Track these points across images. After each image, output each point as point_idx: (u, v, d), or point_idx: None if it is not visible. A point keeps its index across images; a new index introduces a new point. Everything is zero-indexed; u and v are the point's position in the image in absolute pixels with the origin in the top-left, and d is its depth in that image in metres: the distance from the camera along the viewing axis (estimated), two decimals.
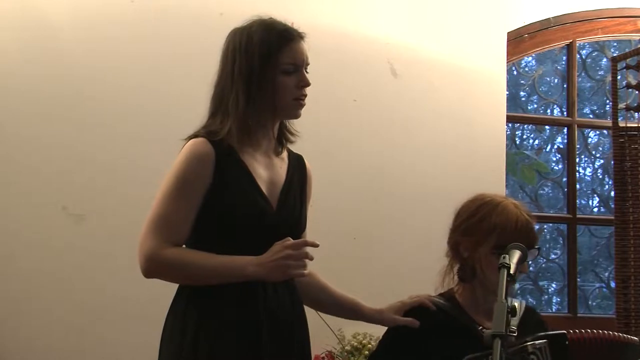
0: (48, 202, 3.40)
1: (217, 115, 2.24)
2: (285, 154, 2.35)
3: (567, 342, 2.19)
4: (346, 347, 3.40)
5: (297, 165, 2.37)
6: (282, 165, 2.32)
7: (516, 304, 1.95)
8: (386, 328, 2.35)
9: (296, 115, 2.29)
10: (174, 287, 2.26)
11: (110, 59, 3.50)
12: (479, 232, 2.23)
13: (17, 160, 3.40)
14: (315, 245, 2.19)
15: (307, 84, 2.26)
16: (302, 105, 2.27)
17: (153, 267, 2.16)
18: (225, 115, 2.22)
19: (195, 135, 2.23)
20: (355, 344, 3.39)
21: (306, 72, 2.27)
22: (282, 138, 2.33)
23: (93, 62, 3.48)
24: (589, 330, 2.25)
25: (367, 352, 3.35)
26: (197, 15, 3.58)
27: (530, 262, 2.23)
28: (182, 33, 3.57)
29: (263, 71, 2.21)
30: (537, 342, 2.15)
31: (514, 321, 1.90)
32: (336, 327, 3.29)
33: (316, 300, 2.40)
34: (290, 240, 2.17)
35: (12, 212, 3.38)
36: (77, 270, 3.38)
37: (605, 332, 2.28)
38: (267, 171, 2.27)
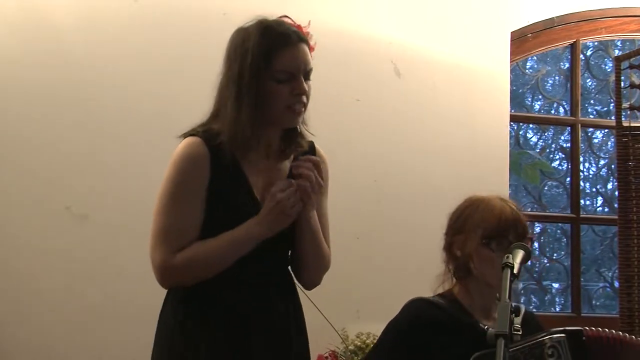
0: (52, 202, 3.39)
1: (218, 117, 2.17)
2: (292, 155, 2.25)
3: (583, 338, 2.20)
4: (349, 347, 3.40)
5: None
6: (285, 169, 2.24)
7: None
8: (385, 324, 2.34)
9: (292, 124, 2.17)
10: None
11: (112, 60, 3.50)
12: (467, 228, 2.28)
13: (21, 161, 3.40)
14: (315, 162, 2.15)
15: (302, 92, 2.13)
16: (297, 114, 2.14)
17: (168, 277, 2.15)
18: (223, 119, 2.15)
19: (191, 134, 2.16)
20: (359, 343, 3.39)
21: (308, 78, 2.15)
22: (290, 143, 2.22)
23: (95, 62, 3.48)
24: (605, 330, 2.26)
25: None
26: (201, 15, 3.58)
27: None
28: (185, 33, 3.57)
29: (253, 79, 2.10)
30: (554, 335, 2.16)
31: (518, 320, 1.90)
32: (340, 326, 3.29)
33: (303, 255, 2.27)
34: (275, 186, 2.12)
35: (16, 212, 3.37)
36: (81, 270, 3.38)
37: (621, 333, 2.28)
38: (264, 176, 2.19)
